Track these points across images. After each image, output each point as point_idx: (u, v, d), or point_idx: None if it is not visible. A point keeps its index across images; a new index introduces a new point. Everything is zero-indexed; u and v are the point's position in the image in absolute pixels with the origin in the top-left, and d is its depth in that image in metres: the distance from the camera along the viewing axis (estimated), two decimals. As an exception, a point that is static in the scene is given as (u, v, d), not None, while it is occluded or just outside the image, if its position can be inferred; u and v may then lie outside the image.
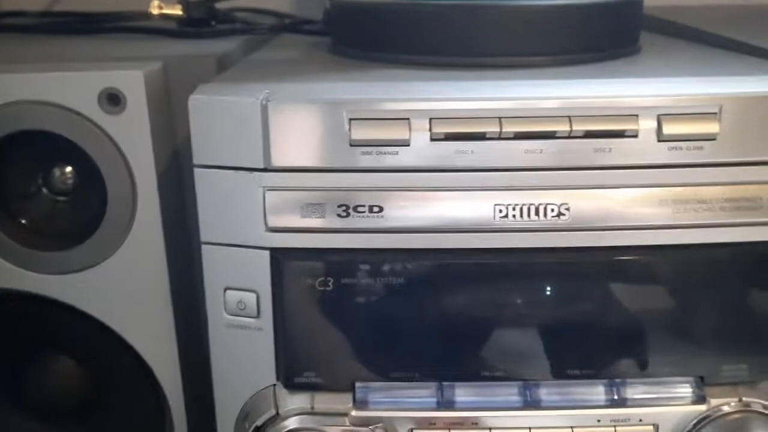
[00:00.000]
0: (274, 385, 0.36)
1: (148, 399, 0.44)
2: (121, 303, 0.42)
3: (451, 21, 0.40)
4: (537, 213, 0.33)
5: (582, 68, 0.40)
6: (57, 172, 0.42)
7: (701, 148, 0.32)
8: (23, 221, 0.42)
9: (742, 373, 0.35)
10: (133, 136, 0.39)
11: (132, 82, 0.38)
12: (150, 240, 0.40)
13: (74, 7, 0.68)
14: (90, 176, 0.40)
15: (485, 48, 0.40)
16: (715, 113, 0.32)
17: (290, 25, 0.53)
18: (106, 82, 0.38)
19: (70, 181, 0.43)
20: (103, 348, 0.43)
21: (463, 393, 0.35)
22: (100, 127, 0.39)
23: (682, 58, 0.43)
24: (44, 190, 0.42)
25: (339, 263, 0.34)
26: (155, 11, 0.50)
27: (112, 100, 0.38)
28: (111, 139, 0.39)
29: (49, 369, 0.46)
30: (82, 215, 0.42)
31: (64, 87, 0.38)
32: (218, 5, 0.56)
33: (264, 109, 0.32)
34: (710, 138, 0.32)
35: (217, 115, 0.33)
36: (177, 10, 0.50)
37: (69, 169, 0.42)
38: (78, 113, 0.39)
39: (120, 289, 0.41)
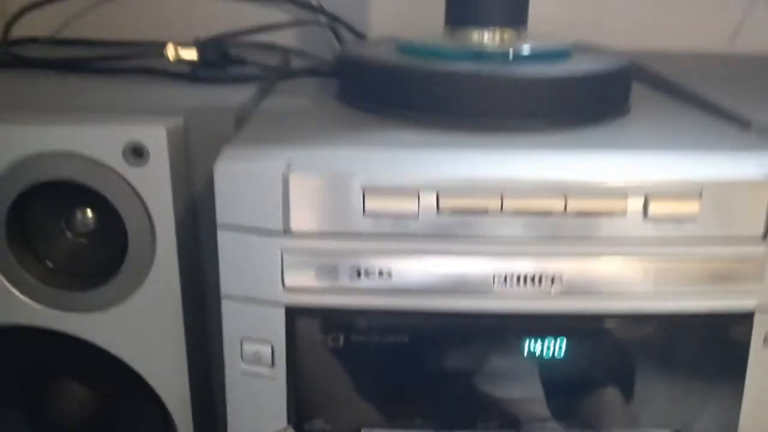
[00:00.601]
0: (286, 428, 0.39)
1: (159, 427, 0.47)
2: (138, 340, 0.44)
3: (457, 86, 0.43)
4: (533, 281, 0.36)
5: (576, 133, 0.43)
6: (79, 215, 0.45)
7: (682, 226, 0.35)
8: (48, 263, 0.44)
9: (714, 427, 0.39)
10: (154, 186, 0.41)
11: (155, 136, 0.41)
12: (167, 282, 0.43)
13: (84, 31, 0.71)
14: (109, 219, 0.43)
15: (487, 112, 0.43)
16: (697, 196, 0.35)
17: (299, 71, 0.55)
18: (130, 136, 0.41)
19: (90, 224, 0.45)
20: (118, 381, 0.45)
21: (459, 440, 0.38)
22: (123, 178, 0.41)
23: (668, 123, 0.46)
24: (67, 232, 0.45)
25: (349, 321, 0.36)
26: (171, 57, 0.52)
27: (136, 153, 0.41)
28: (133, 188, 0.41)
29: (64, 399, 0.48)
30: (101, 256, 0.44)
31: (91, 139, 0.41)
32: (230, 43, 0.59)
33: (285, 178, 0.35)
34: (691, 217, 0.35)
35: (241, 180, 0.36)
36: (192, 55, 0.52)
37: (90, 212, 0.45)
38: (103, 164, 0.41)
39: (137, 327, 0.43)
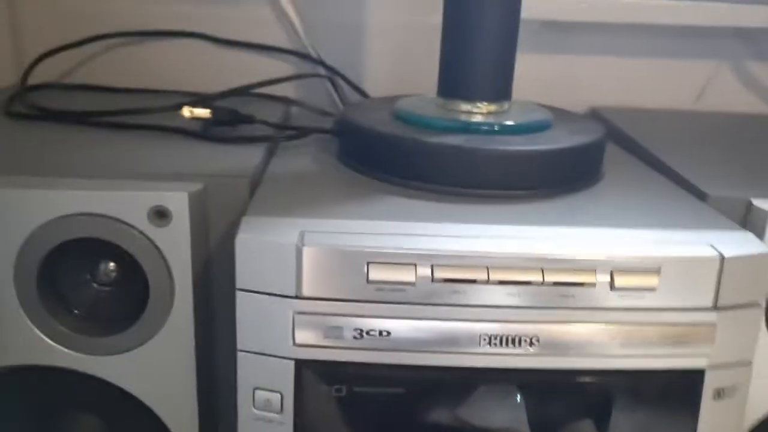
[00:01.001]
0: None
1: None
2: (154, 381, 0.48)
3: (447, 158, 0.48)
4: (513, 342, 0.41)
5: (555, 203, 0.48)
6: (103, 266, 0.49)
7: (644, 296, 0.41)
8: (75, 311, 0.48)
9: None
10: (175, 244, 0.45)
11: (178, 200, 0.45)
12: (182, 330, 0.47)
13: (97, 77, 0.75)
14: (131, 271, 0.47)
15: (475, 183, 0.48)
16: (656, 270, 0.41)
17: (303, 131, 0.60)
18: (155, 200, 0.45)
19: (113, 275, 0.49)
20: (133, 417, 0.49)
21: (450, 481, 0.43)
22: (147, 237, 0.45)
23: (635, 193, 0.51)
24: (92, 283, 0.49)
25: (352, 374, 0.41)
26: (187, 115, 0.56)
27: (160, 215, 0.45)
28: (156, 246, 0.46)
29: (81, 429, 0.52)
30: (122, 304, 0.48)
31: (120, 203, 0.45)
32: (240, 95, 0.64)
33: (299, 250, 0.40)
34: (651, 289, 0.41)
35: (259, 251, 0.40)
36: (205, 114, 0.57)
37: (113, 264, 0.49)
38: (130, 225, 0.45)
39: (153, 370, 0.47)
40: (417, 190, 0.48)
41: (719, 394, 0.43)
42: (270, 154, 0.57)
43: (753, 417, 0.49)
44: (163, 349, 0.47)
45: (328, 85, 0.75)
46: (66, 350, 0.47)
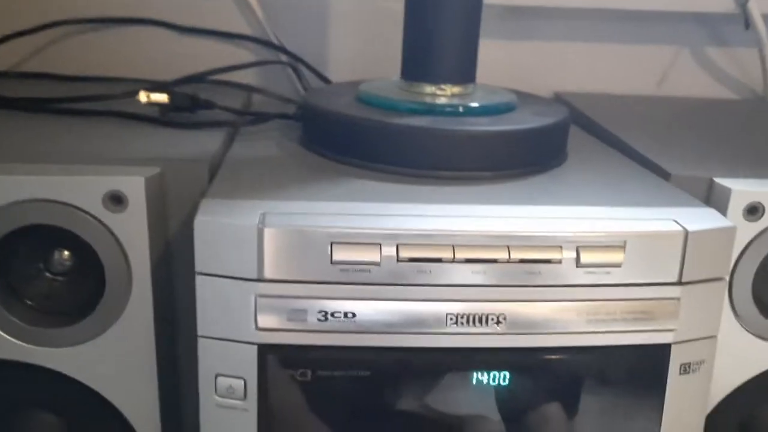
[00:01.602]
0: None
1: None
2: (113, 373, 0.46)
3: (412, 139, 0.48)
4: (480, 321, 0.40)
5: (520, 183, 0.48)
6: (56, 255, 0.47)
7: (609, 272, 0.41)
8: (28, 302, 0.46)
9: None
10: (132, 230, 0.44)
11: (134, 185, 0.43)
12: (142, 319, 0.45)
13: (49, 66, 0.72)
14: (86, 259, 0.45)
15: (440, 164, 0.48)
16: (621, 246, 0.40)
17: (264, 116, 0.59)
18: (110, 185, 0.43)
19: (67, 263, 0.47)
20: (91, 411, 0.48)
21: (419, 466, 0.42)
22: (103, 223, 0.44)
23: (599, 174, 0.51)
24: (45, 272, 0.47)
25: (316, 358, 0.40)
26: (144, 99, 0.55)
27: (116, 200, 0.44)
28: (112, 233, 0.44)
29: (38, 429, 0.50)
30: (78, 294, 0.47)
31: (74, 188, 0.43)
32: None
33: (260, 232, 0.39)
34: (616, 265, 0.41)
35: (219, 234, 0.39)
36: (163, 99, 0.55)
37: (67, 253, 0.47)
38: (84, 211, 0.44)
39: (112, 361, 0.46)
40: (381, 172, 0.48)
41: (685, 368, 0.43)
42: (230, 140, 0.55)
43: (716, 397, 0.50)
44: (122, 339, 0.46)
45: (290, 71, 0.74)
46: (19, 342, 0.46)
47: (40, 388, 0.47)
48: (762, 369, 0.50)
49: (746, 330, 0.49)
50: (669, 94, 0.80)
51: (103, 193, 0.43)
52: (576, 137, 0.59)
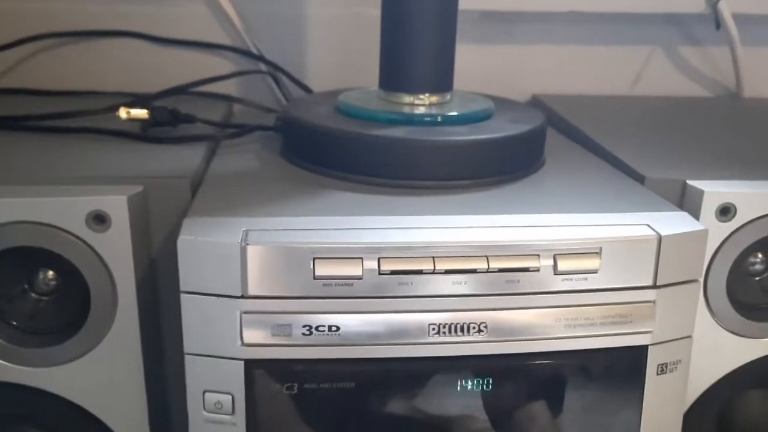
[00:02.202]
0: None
1: None
2: (101, 391, 0.46)
3: (390, 150, 0.48)
4: (461, 330, 0.41)
5: (499, 190, 0.49)
6: (40, 275, 0.47)
7: (586, 278, 0.42)
8: (13, 322, 0.47)
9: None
10: (115, 249, 0.44)
11: (117, 205, 0.44)
12: (128, 337, 0.45)
13: (24, 81, 0.72)
14: (71, 279, 0.45)
15: (419, 174, 0.49)
16: (597, 252, 0.42)
17: (244, 129, 0.59)
18: (93, 205, 0.43)
19: (52, 283, 0.48)
20: (80, 428, 0.48)
21: (405, 472, 0.43)
22: (86, 243, 0.44)
23: (575, 178, 0.52)
24: (29, 292, 0.47)
25: (302, 371, 0.41)
26: (124, 116, 0.55)
27: (99, 220, 0.44)
28: (96, 253, 0.44)
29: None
30: (63, 314, 0.47)
31: (55, 209, 0.43)
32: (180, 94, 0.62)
33: (243, 250, 0.39)
34: (593, 271, 0.42)
35: (202, 252, 0.39)
36: (143, 115, 0.55)
37: (51, 273, 0.47)
38: (67, 231, 0.44)
39: (100, 379, 0.46)
40: (361, 183, 0.48)
41: (662, 369, 0.44)
42: (211, 153, 0.56)
43: (694, 393, 0.51)
44: (109, 357, 0.46)
45: (270, 81, 0.74)
46: (6, 363, 0.46)
47: (28, 406, 0.48)
48: (738, 364, 0.52)
49: (722, 327, 0.50)
50: (644, 93, 0.81)
51: (86, 213, 0.44)
52: (553, 140, 0.60)
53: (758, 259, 0.52)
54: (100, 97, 0.67)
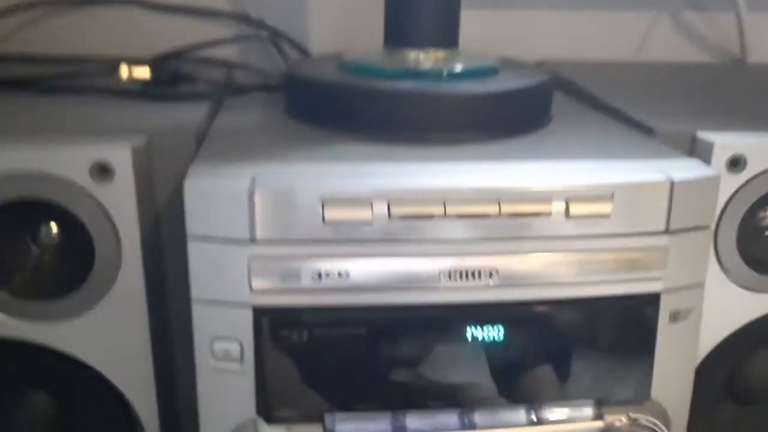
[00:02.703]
0: (255, 418, 0.42)
1: (125, 429, 0.48)
2: (105, 346, 0.46)
3: (396, 103, 0.48)
4: (473, 275, 0.41)
5: (507, 143, 0.48)
6: (44, 229, 0.47)
7: (598, 223, 0.41)
8: (16, 275, 0.46)
9: (629, 395, 0.45)
10: (120, 201, 0.43)
11: (121, 155, 0.43)
12: (133, 291, 0.45)
13: (26, 47, 0.71)
14: (74, 232, 0.45)
15: (426, 126, 0.48)
16: (609, 197, 0.41)
17: (248, 87, 0.58)
18: (97, 155, 0.43)
19: (55, 237, 0.47)
20: (84, 385, 0.47)
21: (413, 419, 0.42)
22: (90, 195, 0.43)
23: (585, 131, 0.52)
24: (32, 245, 0.47)
25: (312, 318, 0.40)
26: (125, 74, 0.54)
27: (103, 171, 0.43)
28: (100, 204, 0.44)
29: (30, 406, 0.49)
30: (67, 268, 0.46)
31: (59, 159, 0.42)
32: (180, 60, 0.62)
33: (251, 194, 0.39)
34: (605, 216, 0.41)
35: (210, 196, 0.39)
36: (145, 74, 0.55)
37: (54, 226, 0.47)
38: (70, 182, 0.43)
39: (104, 334, 0.45)
40: (369, 137, 0.48)
41: (675, 317, 0.43)
42: (215, 112, 0.55)
43: (704, 349, 0.51)
44: (114, 311, 0.45)
45: (271, 47, 0.73)
46: (8, 318, 0.45)
47: (30, 364, 0.47)
48: (748, 319, 0.51)
49: (732, 282, 0.50)
50: (648, 59, 0.80)
51: (89, 164, 0.43)
52: (560, 103, 0.59)
53: (768, 214, 0.52)
54: (98, 64, 0.65)
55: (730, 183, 0.48)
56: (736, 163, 0.47)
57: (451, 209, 0.39)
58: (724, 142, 0.47)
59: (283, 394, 0.42)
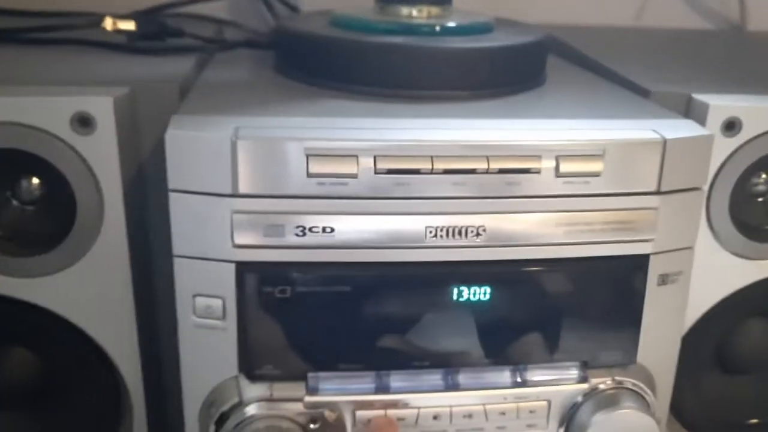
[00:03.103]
0: (237, 376, 0.42)
1: (108, 388, 0.48)
2: (88, 303, 0.45)
3: (388, 58, 0.47)
4: (460, 233, 0.40)
5: (499, 102, 0.47)
6: (24, 183, 0.46)
7: (588, 182, 0.40)
8: (-4, 231, 0.45)
9: (615, 358, 0.44)
10: (102, 154, 0.42)
11: (102, 106, 0.42)
12: (115, 246, 0.44)
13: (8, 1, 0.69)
14: (56, 186, 0.44)
15: (417, 83, 0.47)
16: (600, 155, 0.40)
17: (237, 43, 0.57)
18: (78, 106, 0.42)
19: (36, 192, 0.46)
20: (66, 342, 0.47)
21: (396, 379, 0.42)
22: (71, 147, 0.42)
23: (578, 92, 0.51)
24: (12, 200, 0.46)
25: (295, 274, 0.40)
26: (109, 27, 0.53)
27: (84, 122, 0.42)
28: (81, 157, 0.43)
29: (9, 362, 0.49)
30: (49, 222, 0.45)
31: (39, 110, 0.41)
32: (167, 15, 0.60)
33: (233, 145, 0.38)
34: (596, 174, 0.40)
35: (191, 148, 0.38)
36: (130, 26, 0.53)
37: (36, 180, 0.46)
38: (51, 134, 0.42)
39: (87, 290, 0.45)
40: (358, 93, 0.47)
41: (663, 279, 0.43)
42: (202, 66, 0.54)
43: (693, 316, 0.50)
44: (97, 267, 0.45)
45: (260, 5, 0.72)
46: (-12, 272, 0.44)
47: (12, 321, 0.46)
48: (738, 287, 0.51)
49: (723, 248, 0.49)
50: (646, 25, 0.79)
51: (70, 115, 0.42)
52: (556, 65, 0.58)
53: (762, 179, 0.51)
54: (80, 18, 0.64)
55: (725, 147, 0.47)
56: (731, 127, 0.47)
57: (439, 164, 0.38)
58: (720, 104, 0.46)
59: (265, 352, 0.41)
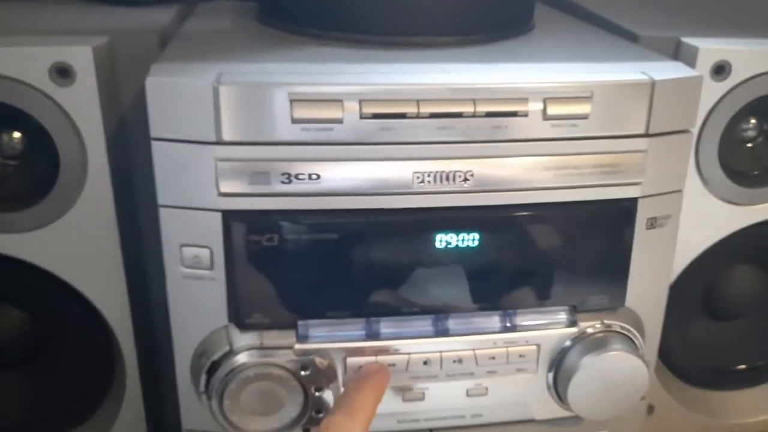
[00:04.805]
0: (227, 325, 0.42)
1: (100, 343, 0.48)
2: (75, 257, 0.45)
3: (374, 4, 0.46)
4: (447, 178, 0.40)
5: (484, 47, 0.46)
6: (5, 138, 0.45)
7: (576, 125, 0.40)
8: (-23, 186, 0.44)
9: (604, 302, 0.44)
10: (82, 105, 0.42)
11: (81, 56, 0.41)
12: (100, 198, 0.44)
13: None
14: (38, 140, 0.43)
15: (402, 29, 0.46)
16: (588, 97, 0.40)
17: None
18: (56, 56, 0.41)
19: (18, 146, 0.45)
20: (55, 299, 0.47)
21: (386, 326, 0.42)
22: (51, 98, 0.42)
23: (567, 38, 0.50)
24: (-6, 155, 0.45)
25: (282, 222, 0.39)
26: (88, -23, 0.51)
27: (63, 73, 0.41)
28: (62, 108, 0.42)
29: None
30: (32, 177, 0.45)
31: (16, 61, 0.41)
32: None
33: (216, 91, 0.37)
34: (584, 117, 0.40)
35: (173, 95, 0.37)
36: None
37: (17, 135, 0.45)
38: (30, 85, 0.41)
39: (74, 244, 0.44)
40: (344, 41, 0.46)
41: (652, 223, 0.43)
42: (182, 17, 0.53)
43: (682, 263, 0.50)
44: (82, 220, 0.44)
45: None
46: (-28, 228, 0.44)
47: (1, 279, 0.46)
48: (726, 233, 0.51)
49: (711, 194, 0.49)
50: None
51: (48, 65, 0.41)
52: (544, 13, 0.57)
53: (751, 125, 0.51)
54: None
55: (714, 91, 0.47)
56: (720, 71, 0.46)
57: (425, 108, 0.38)
58: (709, 47, 0.46)
59: (255, 301, 0.41)
